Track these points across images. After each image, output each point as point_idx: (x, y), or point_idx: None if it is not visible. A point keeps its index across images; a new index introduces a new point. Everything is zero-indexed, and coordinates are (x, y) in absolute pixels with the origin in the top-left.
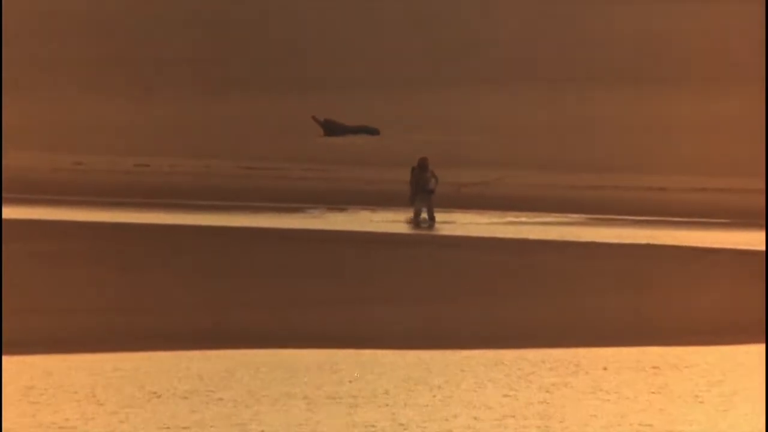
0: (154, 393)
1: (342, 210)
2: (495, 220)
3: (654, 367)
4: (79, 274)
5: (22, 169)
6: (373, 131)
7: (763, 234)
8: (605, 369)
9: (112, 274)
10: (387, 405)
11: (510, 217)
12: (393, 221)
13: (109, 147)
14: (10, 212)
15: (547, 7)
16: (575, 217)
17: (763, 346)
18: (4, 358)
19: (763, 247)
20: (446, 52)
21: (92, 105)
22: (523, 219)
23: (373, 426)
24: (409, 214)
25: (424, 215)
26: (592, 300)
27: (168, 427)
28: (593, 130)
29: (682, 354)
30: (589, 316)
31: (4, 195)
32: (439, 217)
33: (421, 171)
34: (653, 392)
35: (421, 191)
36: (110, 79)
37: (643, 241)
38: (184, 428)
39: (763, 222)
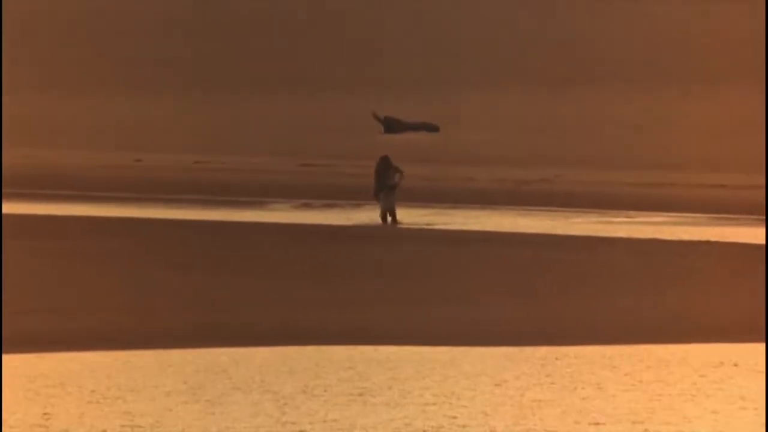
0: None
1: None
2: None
3: (719, 364)
4: (135, 272)
5: (79, 167)
6: (432, 128)
7: None
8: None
9: (167, 271)
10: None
11: (572, 215)
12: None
13: (168, 145)
14: (69, 209)
15: (605, 7)
16: (638, 215)
17: None
18: (53, 354)
19: None
20: (505, 53)
21: (151, 104)
22: (582, 219)
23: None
24: (455, 215)
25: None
26: (653, 297)
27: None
28: (650, 128)
29: (750, 351)
30: (655, 313)
31: (60, 193)
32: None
33: (383, 169)
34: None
35: (385, 187)
36: (170, 79)
37: (703, 238)
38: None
39: None
